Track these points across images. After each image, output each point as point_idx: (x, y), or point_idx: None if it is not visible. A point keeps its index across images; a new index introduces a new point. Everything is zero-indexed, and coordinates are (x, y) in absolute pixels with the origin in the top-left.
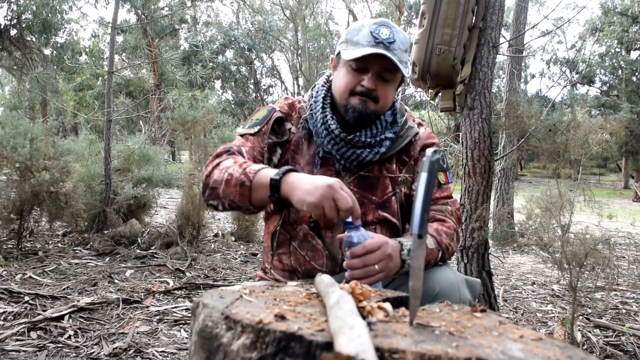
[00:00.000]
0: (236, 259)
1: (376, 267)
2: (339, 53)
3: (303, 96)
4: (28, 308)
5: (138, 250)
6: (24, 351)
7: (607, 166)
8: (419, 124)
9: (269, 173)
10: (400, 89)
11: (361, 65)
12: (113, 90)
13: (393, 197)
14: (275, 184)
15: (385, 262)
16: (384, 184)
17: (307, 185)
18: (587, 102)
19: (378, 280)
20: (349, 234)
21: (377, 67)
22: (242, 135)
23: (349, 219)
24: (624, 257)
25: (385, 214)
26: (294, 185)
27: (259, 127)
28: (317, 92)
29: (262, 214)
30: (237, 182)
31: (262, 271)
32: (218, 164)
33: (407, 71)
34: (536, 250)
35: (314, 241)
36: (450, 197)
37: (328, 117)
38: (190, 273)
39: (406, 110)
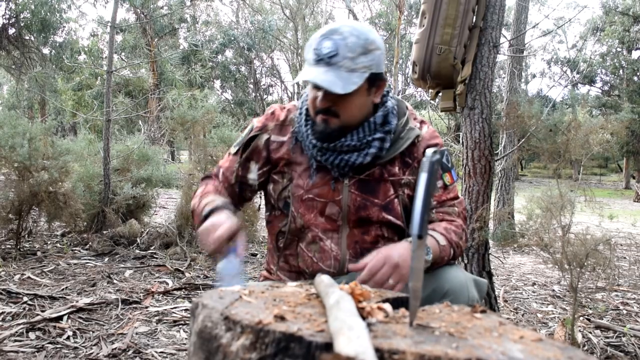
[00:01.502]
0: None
1: (390, 281)
2: None
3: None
4: (27, 308)
5: (137, 251)
6: (22, 352)
7: (608, 166)
8: (422, 122)
9: (207, 209)
10: (399, 88)
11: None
12: (112, 90)
13: (396, 200)
14: (204, 218)
15: (398, 273)
16: (386, 187)
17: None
18: (588, 102)
19: (399, 290)
20: (225, 261)
21: None
22: (230, 153)
23: (236, 247)
24: (625, 258)
25: (389, 217)
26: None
27: (237, 147)
28: (302, 103)
29: (263, 216)
30: (197, 213)
31: (267, 272)
32: (196, 191)
33: (361, 79)
34: (537, 250)
35: (321, 243)
36: (456, 197)
37: (309, 130)
38: (190, 273)
39: (407, 108)
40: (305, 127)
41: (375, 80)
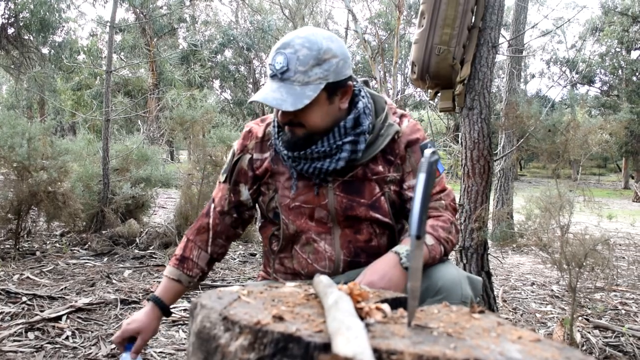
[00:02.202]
0: (235, 259)
1: None
2: None
3: None
4: (25, 308)
5: (136, 251)
6: (21, 352)
7: (607, 166)
8: (402, 116)
9: (150, 295)
10: (399, 88)
11: None
12: (111, 90)
13: (382, 197)
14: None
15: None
16: (370, 186)
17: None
18: (587, 102)
19: None
20: (121, 358)
21: None
22: (220, 182)
23: (131, 345)
24: (624, 258)
25: (377, 215)
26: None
27: (225, 175)
28: (274, 115)
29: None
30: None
31: (265, 273)
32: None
33: (315, 92)
34: (535, 250)
35: (315, 244)
36: (443, 190)
37: (280, 143)
38: None
39: (386, 103)
40: (278, 138)
41: (336, 89)
